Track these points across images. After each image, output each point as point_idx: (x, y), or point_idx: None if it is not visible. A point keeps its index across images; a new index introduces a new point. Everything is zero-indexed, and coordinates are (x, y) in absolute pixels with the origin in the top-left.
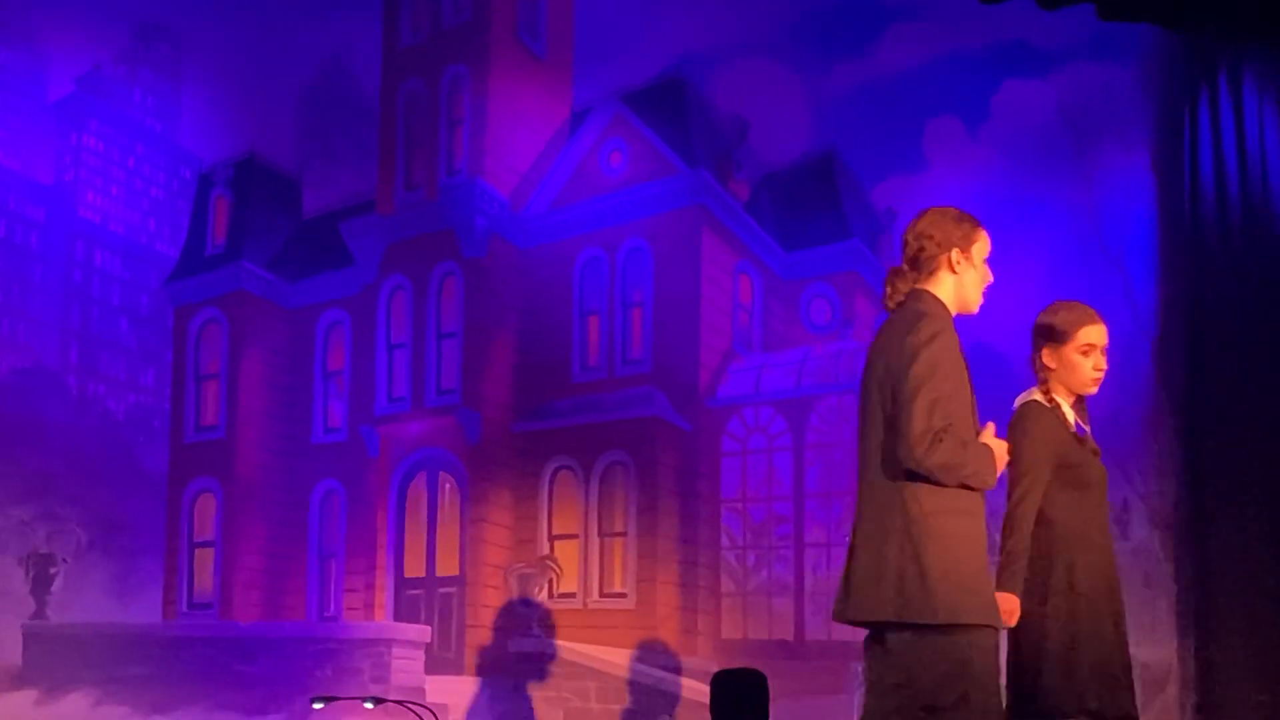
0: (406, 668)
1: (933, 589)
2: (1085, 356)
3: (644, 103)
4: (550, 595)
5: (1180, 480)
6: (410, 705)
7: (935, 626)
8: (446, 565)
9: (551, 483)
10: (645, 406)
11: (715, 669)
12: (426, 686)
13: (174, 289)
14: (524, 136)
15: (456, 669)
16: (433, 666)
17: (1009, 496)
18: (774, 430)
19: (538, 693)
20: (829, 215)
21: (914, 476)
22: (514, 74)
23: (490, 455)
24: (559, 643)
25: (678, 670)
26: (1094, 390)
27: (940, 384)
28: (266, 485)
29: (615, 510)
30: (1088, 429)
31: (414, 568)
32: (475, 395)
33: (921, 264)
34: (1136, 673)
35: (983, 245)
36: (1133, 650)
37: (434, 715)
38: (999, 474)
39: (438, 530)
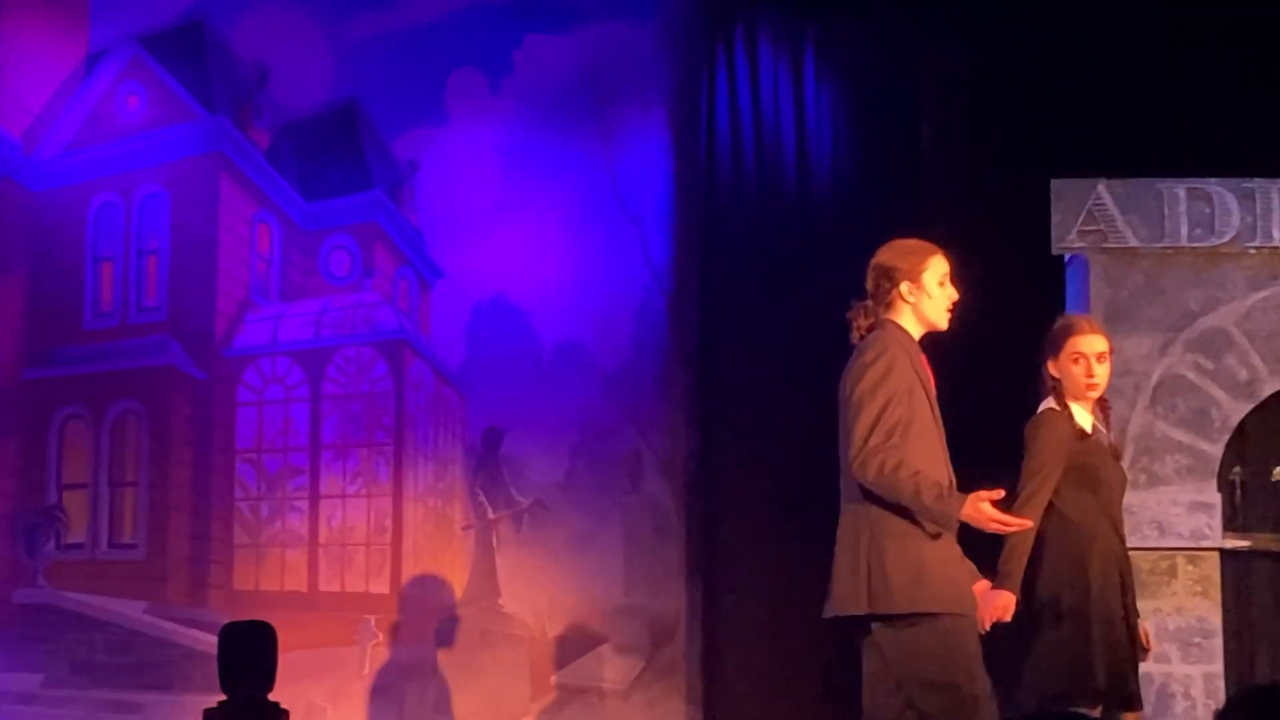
0: None
1: (890, 581)
2: (1076, 364)
3: (163, 46)
4: (58, 546)
5: (691, 432)
6: None
7: (903, 617)
8: None
9: (61, 431)
10: (159, 355)
11: (227, 620)
12: None
13: None
14: (37, 76)
15: None
16: None
17: (1018, 497)
18: (291, 381)
19: (42, 645)
20: (350, 166)
21: None
22: (25, 10)
23: None
24: (66, 594)
25: (188, 622)
26: (1094, 396)
27: (880, 401)
28: None
29: (126, 460)
30: (1106, 430)
31: None
32: None
33: (879, 298)
34: (648, 624)
35: (934, 270)
36: (643, 602)
37: None
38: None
39: None
